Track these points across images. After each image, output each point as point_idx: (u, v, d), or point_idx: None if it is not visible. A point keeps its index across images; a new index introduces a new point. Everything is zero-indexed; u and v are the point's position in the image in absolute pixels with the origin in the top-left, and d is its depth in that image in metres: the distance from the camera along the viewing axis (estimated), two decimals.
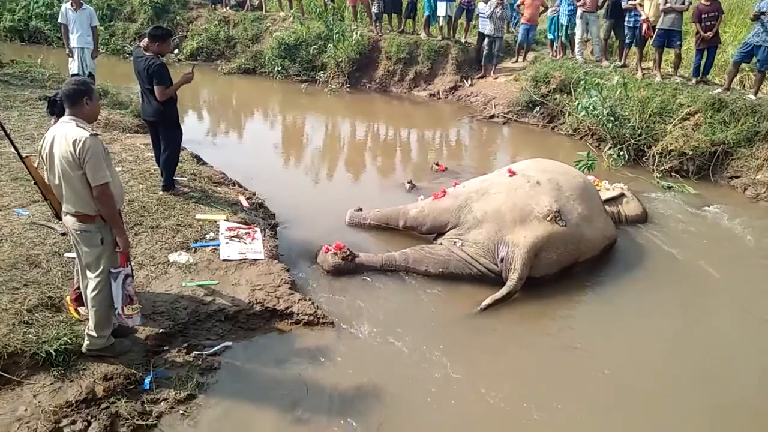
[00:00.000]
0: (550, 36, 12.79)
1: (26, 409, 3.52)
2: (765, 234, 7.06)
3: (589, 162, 8.22)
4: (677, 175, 8.73)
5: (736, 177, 8.57)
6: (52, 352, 3.82)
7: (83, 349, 3.94)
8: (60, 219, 3.91)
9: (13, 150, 4.20)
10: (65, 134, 3.53)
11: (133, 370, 3.98)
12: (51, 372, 3.79)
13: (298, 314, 4.81)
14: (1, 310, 4.07)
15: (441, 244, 5.91)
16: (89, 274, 3.81)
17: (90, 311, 3.87)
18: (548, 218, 5.54)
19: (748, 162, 8.55)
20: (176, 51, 14.85)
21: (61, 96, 3.75)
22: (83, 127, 3.56)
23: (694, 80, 9.99)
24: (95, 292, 3.80)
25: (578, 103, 9.60)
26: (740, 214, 7.55)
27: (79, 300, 4.18)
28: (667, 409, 4.25)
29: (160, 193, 6.27)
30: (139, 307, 3.97)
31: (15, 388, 3.66)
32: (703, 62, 9.91)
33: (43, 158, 3.70)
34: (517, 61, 13.24)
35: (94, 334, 3.90)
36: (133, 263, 4.64)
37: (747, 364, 4.82)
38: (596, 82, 9.44)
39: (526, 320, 5.19)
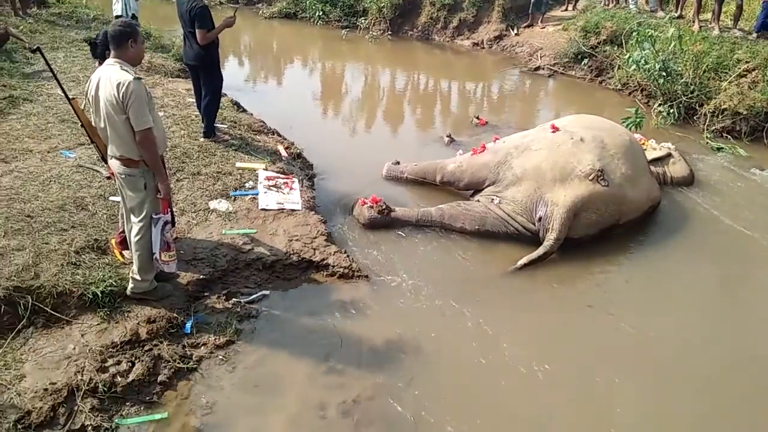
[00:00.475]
0: None
1: (74, 348, 3.69)
2: None
3: (637, 120, 7.92)
4: (728, 136, 8.36)
5: None
6: (98, 293, 3.97)
7: (128, 292, 4.07)
8: (106, 162, 3.97)
9: (60, 92, 4.26)
10: (110, 77, 3.53)
11: (175, 314, 4.11)
12: (97, 313, 3.94)
13: (333, 266, 4.87)
14: (51, 251, 4.22)
15: (478, 200, 5.85)
16: (133, 218, 3.88)
17: (134, 255, 3.97)
18: (590, 177, 5.40)
19: None
20: None
21: (104, 38, 3.77)
22: (127, 71, 3.56)
23: (755, 34, 9.42)
24: (138, 236, 3.88)
25: (629, 56, 9.18)
26: None
27: (123, 243, 4.30)
28: (699, 380, 4.20)
29: (201, 139, 6.34)
30: (176, 255, 4.04)
31: (64, 327, 3.84)
32: None
33: (89, 100, 3.73)
34: (566, 10, 12.72)
35: (138, 277, 4.01)
36: (175, 209, 4.75)
37: None
38: (649, 33, 8.97)
39: (562, 282, 5.13)
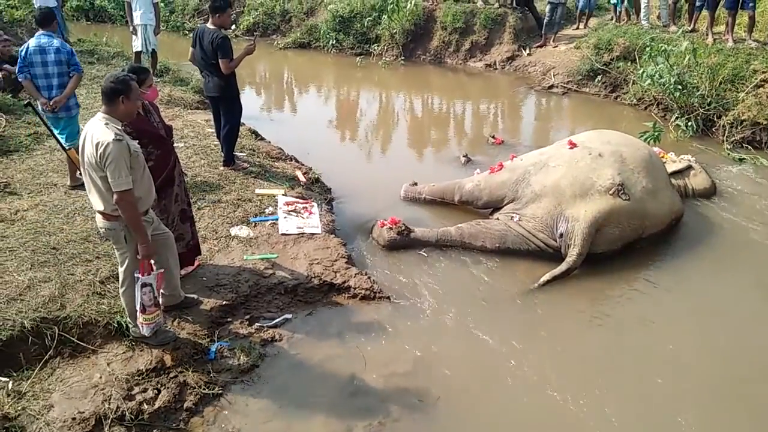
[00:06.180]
0: (613, 1, 12.23)
1: (101, 377, 3.71)
2: None
3: (656, 133, 7.85)
4: (749, 147, 8.24)
5: None
6: (123, 323, 4.00)
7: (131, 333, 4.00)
8: None
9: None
10: (93, 134, 3.45)
11: (199, 341, 4.13)
12: (123, 342, 3.97)
13: (354, 288, 4.87)
14: (76, 281, 4.28)
15: (498, 218, 5.84)
16: (119, 269, 3.82)
17: (123, 304, 3.92)
18: (610, 192, 5.37)
19: None
20: (233, 26, 15.01)
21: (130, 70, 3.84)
22: (112, 129, 3.47)
23: None
24: (123, 288, 3.81)
25: (643, 71, 9.16)
26: None
27: None
28: (725, 400, 4.09)
29: (221, 168, 6.43)
30: (156, 318, 3.87)
31: (90, 356, 3.86)
32: None
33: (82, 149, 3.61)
34: (578, 28, 12.73)
35: (131, 325, 3.95)
36: (198, 237, 4.76)
37: None
38: (663, 48, 8.94)
39: (586, 298, 5.07)
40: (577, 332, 4.68)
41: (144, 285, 3.73)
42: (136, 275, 3.72)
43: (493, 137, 8.56)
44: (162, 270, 3.94)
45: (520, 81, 11.77)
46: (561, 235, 5.39)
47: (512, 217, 5.71)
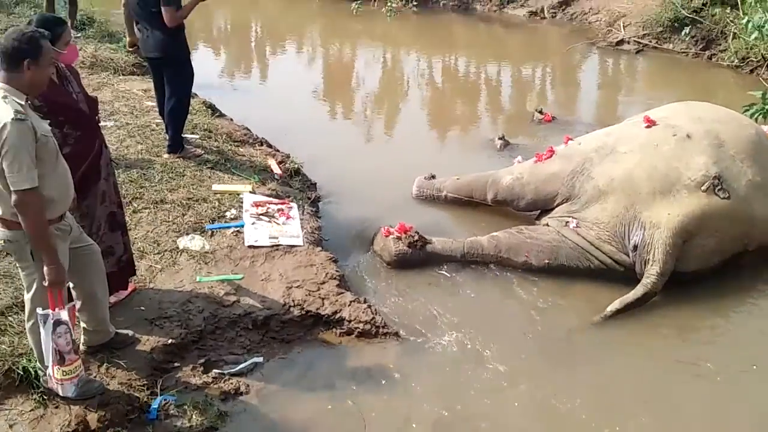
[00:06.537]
0: None
1: None
2: None
3: (766, 106, 7.84)
4: None
5: None
6: (31, 369, 3.95)
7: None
8: None
9: None
10: None
11: (136, 394, 4.08)
12: (31, 395, 3.91)
13: (350, 321, 4.86)
14: None
15: (546, 224, 5.84)
16: (25, 295, 3.78)
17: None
18: (703, 187, 5.38)
19: None
20: None
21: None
22: (11, 104, 3.38)
23: None
24: (31, 322, 3.76)
25: (748, 20, 9.12)
26: None
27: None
28: None
29: (165, 156, 6.44)
30: (79, 371, 3.80)
31: None
32: None
33: None
34: None
35: (41, 372, 3.91)
36: (133, 250, 4.77)
37: None
38: None
39: (671, 337, 5.06)
40: (663, 383, 4.62)
41: (57, 323, 3.64)
42: (41, 313, 3.63)
43: (541, 112, 8.57)
44: (73, 304, 3.90)
45: (577, 35, 11.79)
46: (635, 248, 5.38)
47: (567, 222, 5.71)
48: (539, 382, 4.55)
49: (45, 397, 3.93)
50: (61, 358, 3.69)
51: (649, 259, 5.29)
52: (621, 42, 11.28)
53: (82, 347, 4.04)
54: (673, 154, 5.56)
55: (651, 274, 5.23)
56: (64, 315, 3.63)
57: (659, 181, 5.45)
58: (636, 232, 5.40)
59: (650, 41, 11.14)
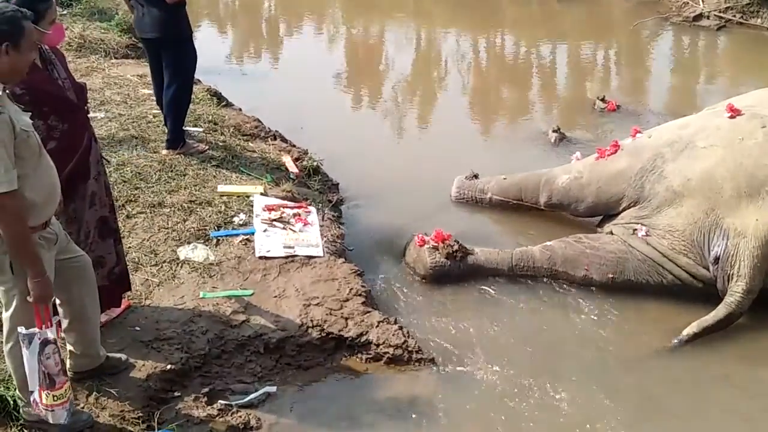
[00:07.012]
0: None
1: None
2: None
3: None
4: None
5: None
6: (10, 399, 3.93)
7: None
8: None
9: None
10: None
11: (129, 428, 4.06)
12: (9, 428, 3.90)
13: (377, 345, 4.83)
14: None
15: (610, 233, 5.82)
16: (3, 314, 3.78)
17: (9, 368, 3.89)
18: None
19: None
20: None
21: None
22: None
23: None
24: (10, 345, 3.75)
25: None
26: None
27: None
28: None
29: (164, 152, 6.45)
30: (68, 395, 3.77)
31: None
32: None
33: None
34: None
35: (21, 402, 3.91)
36: (127, 261, 4.71)
37: None
38: None
39: (760, 364, 4.97)
40: (746, 422, 4.54)
41: (45, 343, 3.62)
42: (25, 332, 3.59)
43: (603, 100, 8.57)
44: (59, 319, 3.88)
45: (646, 8, 11.77)
46: (716, 260, 5.33)
47: (635, 229, 5.68)
48: (607, 424, 4.46)
49: (26, 427, 3.91)
50: (51, 382, 3.64)
51: (733, 274, 5.24)
52: (699, 17, 11.21)
53: (69, 373, 3.99)
54: (761, 149, 5.49)
55: (735, 292, 5.19)
56: (51, 333, 3.61)
57: (745, 182, 5.39)
58: (717, 241, 5.34)
59: (734, 15, 11.05)
